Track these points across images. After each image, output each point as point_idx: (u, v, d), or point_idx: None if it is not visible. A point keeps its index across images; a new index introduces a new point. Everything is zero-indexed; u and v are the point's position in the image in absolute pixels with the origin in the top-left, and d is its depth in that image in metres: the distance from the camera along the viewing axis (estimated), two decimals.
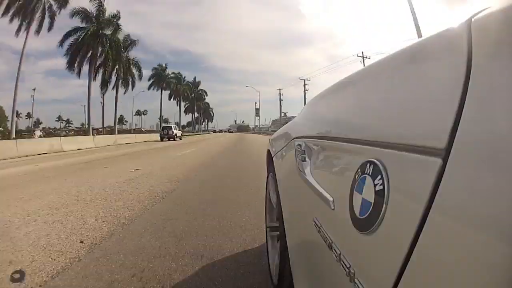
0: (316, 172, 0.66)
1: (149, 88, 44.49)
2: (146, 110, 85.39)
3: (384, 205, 0.34)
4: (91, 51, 23.60)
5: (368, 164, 0.39)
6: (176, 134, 22.65)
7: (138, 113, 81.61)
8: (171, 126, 24.01)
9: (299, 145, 0.82)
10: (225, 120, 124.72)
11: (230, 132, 73.91)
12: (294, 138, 0.95)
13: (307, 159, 0.74)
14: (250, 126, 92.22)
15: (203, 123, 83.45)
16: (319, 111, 0.88)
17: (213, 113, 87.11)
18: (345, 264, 0.40)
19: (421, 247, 0.27)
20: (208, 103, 77.91)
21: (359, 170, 0.42)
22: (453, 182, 0.26)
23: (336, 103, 0.74)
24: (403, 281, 0.28)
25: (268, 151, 1.50)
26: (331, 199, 0.51)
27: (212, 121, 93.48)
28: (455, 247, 0.24)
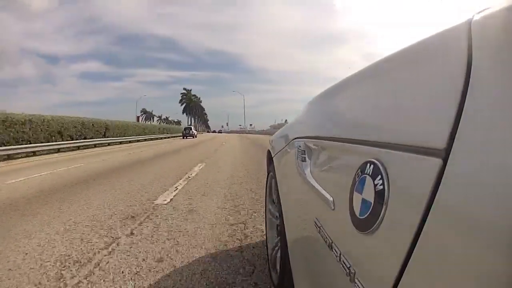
0: (316, 172, 0.66)
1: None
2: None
3: (384, 205, 0.33)
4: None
5: (368, 164, 0.39)
6: (194, 133, 31.80)
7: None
8: (191, 127, 32.93)
9: (299, 145, 0.82)
10: (262, 121, 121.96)
11: (219, 132, 73.83)
12: (294, 138, 0.95)
13: (307, 159, 0.74)
14: None
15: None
16: (319, 111, 0.88)
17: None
18: (345, 264, 0.40)
19: (421, 247, 0.27)
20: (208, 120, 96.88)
21: (359, 170, 0.42)
22: (453, 182, 0.26)
23: (336, 103, 0.74)
24: (403, 281, 0.28)
25: (268, 151, 1.50)
26: (331, 199, 0.51)
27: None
28: (455, 248, 0.24)
